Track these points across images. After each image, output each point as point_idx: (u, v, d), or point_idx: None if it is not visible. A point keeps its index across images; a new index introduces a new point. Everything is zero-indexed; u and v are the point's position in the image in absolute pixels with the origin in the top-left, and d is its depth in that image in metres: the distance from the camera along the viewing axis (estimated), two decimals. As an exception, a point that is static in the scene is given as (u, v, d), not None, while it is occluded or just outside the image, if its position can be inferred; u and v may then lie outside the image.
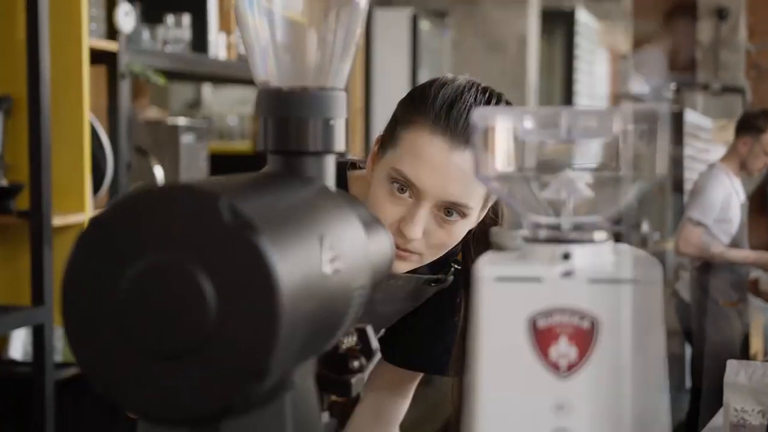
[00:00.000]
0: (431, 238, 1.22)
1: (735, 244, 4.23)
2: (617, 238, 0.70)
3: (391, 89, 5.73)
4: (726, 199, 4.13)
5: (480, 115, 0.67)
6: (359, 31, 0.79)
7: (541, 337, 0.64)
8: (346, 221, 0.73)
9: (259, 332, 0.58)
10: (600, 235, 0.67)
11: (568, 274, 0.65)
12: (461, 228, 1.24)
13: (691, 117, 7.05)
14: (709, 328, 4.14)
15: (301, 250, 0.62)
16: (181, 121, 3.17)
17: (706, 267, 4.25)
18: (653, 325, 0.65)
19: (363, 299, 0.74)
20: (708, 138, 7.30)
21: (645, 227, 6.48)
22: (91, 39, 2.60)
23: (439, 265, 1.34)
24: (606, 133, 0.66)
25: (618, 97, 8.77)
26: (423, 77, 6.61)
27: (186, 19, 3.10)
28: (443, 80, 1.25)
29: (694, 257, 4.24)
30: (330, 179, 0.78)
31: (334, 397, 0.78)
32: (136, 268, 0.59)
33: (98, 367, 0.61)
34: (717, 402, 1.87)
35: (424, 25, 5.67)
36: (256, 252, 0.57)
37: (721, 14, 9.62)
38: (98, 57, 2.67)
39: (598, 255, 0.66)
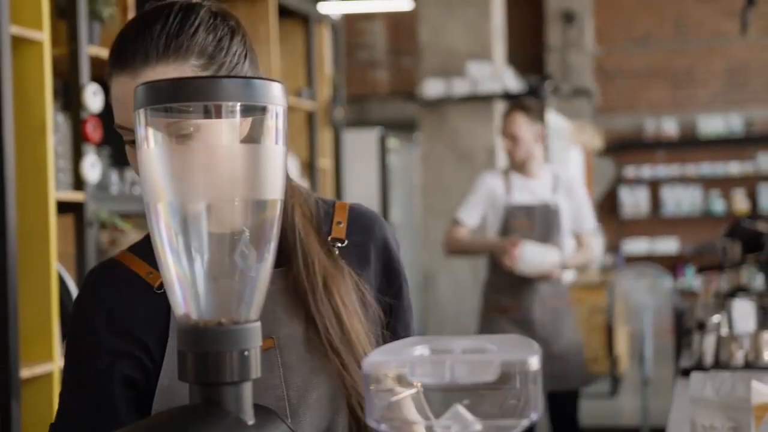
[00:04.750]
0: None
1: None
2: None
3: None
4: (488, 199, 4.11)
5: (370, 363, 0.74)
6: (269, 265, 0.86)
7: None
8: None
9: None
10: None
11: None
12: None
13: (552, 118, 7.13)
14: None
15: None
16: (152, 256, 3.22)
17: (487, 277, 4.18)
18: None
19: None
20: (568, 138, 7.53)
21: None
22: (58, 191, 2.68)
23: None
24: (487, 377, 0.72)
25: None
26: (393, 193, 6.75)
27: (154, 158, 3.18)
28: None
29: (453, 252, 4.18)
30: (246, 403, 0.83)
31: None
32: None
33: None
34: None
35: (393, 142, 5.81)
36: None
37: (567, 17, 9.83)
38: (65, 207, 2.74)
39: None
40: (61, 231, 2.75)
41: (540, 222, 4.06)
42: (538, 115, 4.10)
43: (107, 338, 1.21)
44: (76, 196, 2.75)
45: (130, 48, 1.16)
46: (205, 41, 1.17)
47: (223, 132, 0.86)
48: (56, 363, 2.60)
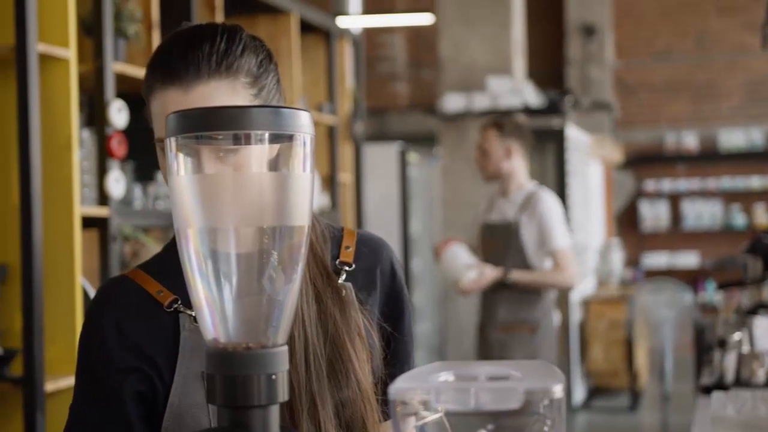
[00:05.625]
0: None
1: None
2: None
3: (383, 222, 5.87)
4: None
5: (396, 389, 0.75)
6: (297, 288, 0.87)
7: None
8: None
9: None
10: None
11: None
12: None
13: (572, 132, 7.11)
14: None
15: None
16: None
17: None
18: None
19: None
20: (588, 152, 7.48)
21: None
22: (83, 206, 2.71)
23: None
24: (511, 405, 0.74)
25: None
26: (412, 207, 6.79)
27: (176, 173, 3.21)
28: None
29: None
30: (273, 426, 0.84)
31: None
32: None
33: None
34: None
35: (413, 156, 5.83)
36: None
37: (588, 31, 9.79)
38: (90, 221, 2.78)
39: None
40: (85, 246, 2.78)
41: (500, 241, 4.09)
42: (511, 132, 4.09)
43: (119, 355, 1.22)
44: (100, 212, 2.78)
45: (180, 63, 1.17)
46: (250, 61, 1.20)
47: (253, 159, 0.88)
48: (80, 377, 2.62)
